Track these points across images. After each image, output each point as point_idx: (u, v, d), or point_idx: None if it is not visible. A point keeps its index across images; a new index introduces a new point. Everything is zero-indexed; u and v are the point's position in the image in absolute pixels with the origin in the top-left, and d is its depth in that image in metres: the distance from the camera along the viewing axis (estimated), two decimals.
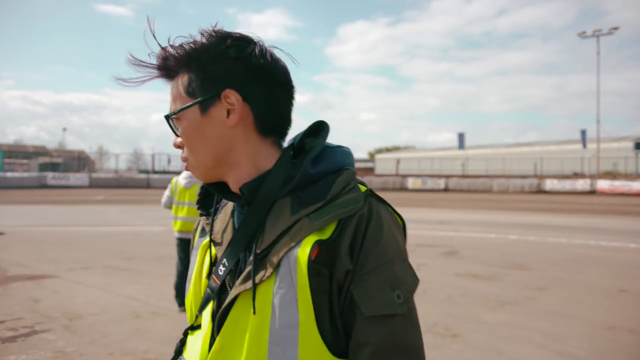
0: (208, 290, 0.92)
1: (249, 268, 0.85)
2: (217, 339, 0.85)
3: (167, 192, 5.83)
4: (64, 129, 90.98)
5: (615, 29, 43.81)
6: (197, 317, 0.94)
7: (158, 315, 5.38)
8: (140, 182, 39.05)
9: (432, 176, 44.85)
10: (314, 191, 0.88)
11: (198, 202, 1.06)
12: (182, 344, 1.00)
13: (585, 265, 8.25)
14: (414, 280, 0.88)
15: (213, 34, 0.91)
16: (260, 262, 0.84)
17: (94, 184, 37.07)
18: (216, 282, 0.90)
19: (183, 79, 0.92)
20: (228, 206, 1.00)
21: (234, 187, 0.95)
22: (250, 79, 0.91)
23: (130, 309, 5.52)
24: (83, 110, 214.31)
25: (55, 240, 10.52)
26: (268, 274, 0.82)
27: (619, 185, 34.66)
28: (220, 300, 0.89)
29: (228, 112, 0.90)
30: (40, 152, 60.91)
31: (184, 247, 5.69)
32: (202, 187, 1.06)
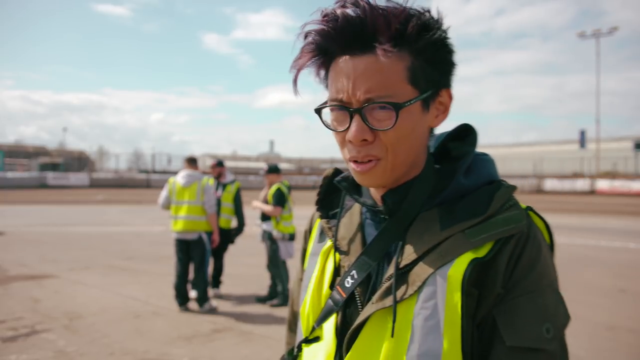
0: (330, 302, 0.83)
1: (387, 283, 0.76)
2: (347, 357, 0.77)
3: (164, 193, 5.83)
4: (64, 129, 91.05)
5: (615, 29, 43.86)
6: (314, 329, 0.85)
7: (158, 315, 5.38)
8: (140, 182, 39.04)
9: None
10: (468, 205, 0.78)
11: (318, 202, 0.96)
12: (292, 356, 0.92)
13: (585, 265, 8.25)
14: (566, 316, 0.77)
15: (438, 19, 0.77)
16: (401, 279, 0.76)
17: (94, 184, 37.06)
18: (341, 295, 0.81)
19: (403, 61, 0.74)
20: (354, 210, 0.90)
21: (379, 193, 0.85)
22: (452, 79, 0.82)
23: (130, 309, 5.53)
24: (82, 110, 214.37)
25: (56, 240, 10.52)
26: (410, 292, 0.74)
27: (619, 185, 34.68)
28: (345, 315, 0.82)
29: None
30: (40, 152, 60.87)
31: (183, 247, 5.70)
32: (322, 186, 0.97)
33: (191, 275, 5.79)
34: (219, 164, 6.58)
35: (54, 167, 48.64)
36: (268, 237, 5.91)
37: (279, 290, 5.87)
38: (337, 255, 0.87)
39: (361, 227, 0.87)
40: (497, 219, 0.76)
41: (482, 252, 0.74)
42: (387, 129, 0.74)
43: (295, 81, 0.83)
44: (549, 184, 37.61)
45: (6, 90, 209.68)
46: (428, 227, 0.78)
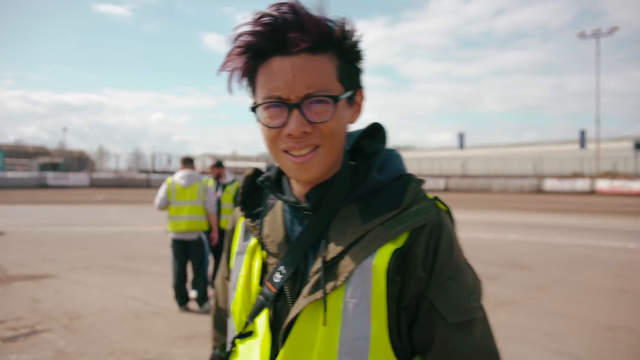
0: (261, 297, 0.88)
1: (316, 277, 0.82)
2: (283, 349, 0.82)
3: (161, 194, 5.73)
4: (64, 129, 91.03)
5: (615, 29, 43.84)
6: (247, 324, 0.90)
7: (158, 315, 5.38)
8: (140, 182, 39.06)
9: (432, 176, 44.85)
10: (384, 199, 0.86)
11: (241, 203, 1.00)
12: (225, 351, 0.97)
13: (585, 265, 8.25)
14: (480, 281, 0.90)
15: (353, 27, 0.86)
16: (329, 271, 0.82)
17: (94, 184, 37.08)
18: (271, 290, 0.86)
19: (332, 61, 0.83)
20: (277, 208, 0.95)
21: (302, 190, 0.91)
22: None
23: (130, 309, 5.53)
24: (82, 110, 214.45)
25: (56, 240, 10.52)
26: (338, 283, 0.80)
27: (619, 185, 34.67)
28: (276, 309, 0.87)
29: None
30: (40, 152, 60.89)
31: (181, 247, 5.70)
32: (244, 186, 1.01)
33: (190, 275, 5.79)
34: (218, 164, 6.58)
35: (54, 167, 48.65)
36: None
37: None
38: (263, 252, 0.91)
39: (284, 224, 0.91)
40: (410, 211, 0.84)
41: (400, 242, 0.82)
42: (326, 120, 0.81)
43: (230, 81, 0.87)
44: (549, 184, 37.60)
45: (6, 90, 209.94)
46: (349, 222, 0.85)
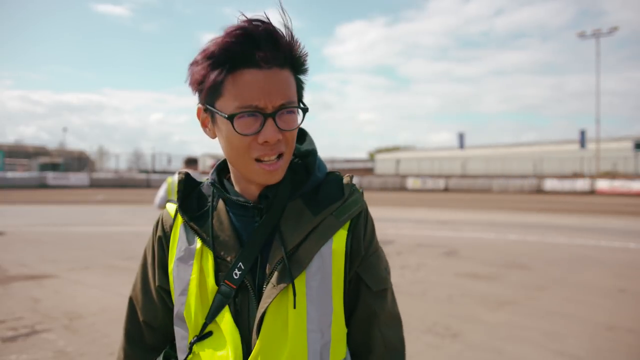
0: (220, 296, 0.93)
1: (280, 266, 0.91)
2: (259, 339, 0.89)
3: (161, 193, 5.77)
4: (64, 129, 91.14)
5: (615, 29, 43.83)
6: (205, 325, 0.94)
7: None
8: (140, 182, 39.06)
9: (432, 176, 44.86)
10: (327, 193, 0.98)
11: (181, 208, 1.01)
12: (178, 355, 0.99)
13: (585, 265, 8.25)
14: (383, 251, 1.07)
15: (303, 47, 0.94)
16: (290, 260, 0.91)
17: (94, 184, 37.07)
18: (231, 287, 0.92)
19: (291, 75, 0.92)
20: (219, 209, 0.99)
21: (256, 190, 0.97)
22: None
23: None
24: (82, 110, 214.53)
25: (56, 240, 10.52)
26: (301, 270, 0.90)
27: (619, 185, 34.67)
28: (236, 304, 0.93)
29: None
30: (40, 152, 60.89)
31: None
32: (182, 190, 1.03)
33: None
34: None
35: (54, 167, 48.65)
36: None
37: None
38: (211, 252, 0.95)
39: (231, 224, 0.97)
40: (350, 201, 0.98)
41: (346, 228, 0.96)
42: (294, 128, 0.91)
43: (195, 89, 0.93)
44: (549, 184, 37.60)
45: (6, 90, 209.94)
46: (300, 215, 0.95)
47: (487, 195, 34.04)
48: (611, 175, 41.05)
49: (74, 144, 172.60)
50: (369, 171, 61.24)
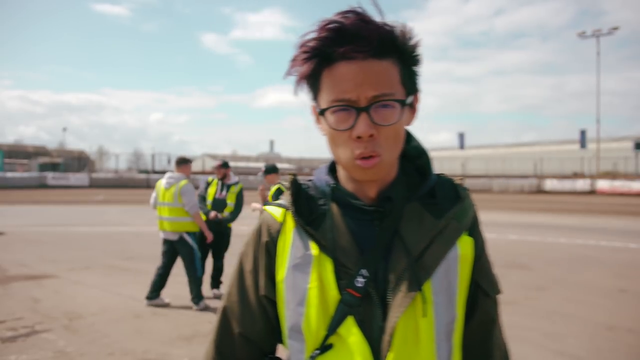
0: (343, 306, 0.86)
1: (408, 273, 0.86)
2: (391, 352, 0.84)
3: (153, 194, 6.00)
4: (64, 129, 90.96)
5: (615, 28, 43.83)
6: (327, 337, 0.87)
7: (158, 315, 5.38)
8: (140, 182, 39.03)
9: None
10: (444, 196, 0.94)
11: (295, 211, 0.93)
12: None
13: (585, 265, 8.25)
14: None
15: (415, 35, 0.88)
16: (417, 266, 0.87)
17: (94, 184, 37.05)
18: (355, 295, 0.85)
19: (395, 66, 0.86)
20: (334, 213, 0.92)
21: (372, 192, 0.92)
22: None
23: (130, 309, 5.53)
24: (82, 110, 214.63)
25: (56, 240, 10.52)
26: (427, 276, 0.87)
27: (619, 185, 34.66)
28: (360, 314, 0.86)
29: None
30: (40, 152, 60.89)
31: (169, 246, 5.79)
32: (295, 193, 0.95)
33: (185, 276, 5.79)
34: (224, 165, 6.57)
35: (53, 167, 48.66)
36: None
37: None
38: (330, 259, 0.88)
39: (349, 228, 0.90)
40: (466, 203, 0.95)
41: (467, 232, 0.93)
42: (392, 123, 0.84)
43: (297, 86, 0.90)
44: (549, 184, 37.59)
45: (5, 90, 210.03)
46: (421, 219, 0.90)
47: (487, 195, 34.01)
48: (611, 175, 41.05)
49: (74, 144, 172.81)
50: None
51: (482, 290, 0.96)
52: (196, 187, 6.46)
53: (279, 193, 5.81)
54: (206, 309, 5.62)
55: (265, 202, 5.95)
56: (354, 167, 0.86)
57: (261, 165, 7.40)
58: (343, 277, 0.87)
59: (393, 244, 0.88)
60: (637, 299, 6.15)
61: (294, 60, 0.88)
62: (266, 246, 0.96)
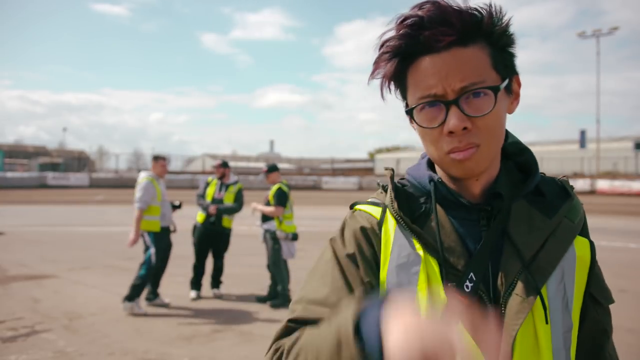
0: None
1: (523, 277, 0.79)
2: (516, 357, 0.77)
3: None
4: (64, 129, 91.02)
5: (615, 28, 43.83)
6: None
7: (158, 315, 5.38)
8: None
9: None
10: (551, 193, 0.87)
11: (399, 207, 0.86)
12: None
13: None
14: None
15: (505, 14, 0.82)
16: (531, 269, 0.79)
17: (94, 184, 37.04)
18: (461, 299, 0.78)
19: (484, 50, 0.79)
20: (438, 212, 0.85)
21: (476, 189, 0.85)
22: None
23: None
24: (82, 110, 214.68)
25: (55, 240, 10.52)
26: (544, 280, 0.79)
27: (619, 185, 34.67)
28: (474, 319, 0.76)
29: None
30: (40, 152, 60.91)
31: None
32: (397, 189, 0.89)
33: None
34: (224, 164, 6.56)
35: (53, 167, 48.65)
36: (271, 237, 5.90)
37: (279, 290, 5.86)
38: (435, 261, 0.82)
39: (455, 228, 0.84)
40: (576, 200, 0.87)
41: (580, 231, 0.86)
42: (486, 112, 0.77)
43: (382, 89, 0.86)
44: None
45: (5, 90, 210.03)
46: (530, 218, 0.82)
47: None
48: (611, 175, 41.06)
49: (74, 144, 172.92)
50: (369, 171, 61.17)
51: (593, 298, 0.86)
52: (196, 187, 6.46)
53: (280, 193, 5.83)
54: (202, 309, 5.61)
55: (266, 202, 5.96)
56: (449, 162, 0.80)
57: (261, 165, 7.40)
58: (451, 279, 0.80)
59: (502, 245, 0.82)
60: (637, 299, 6.15)
61: (376, 62, 0.83)
62: (364, 232, 0.87)
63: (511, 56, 0.83)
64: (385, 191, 0.92)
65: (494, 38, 0.80)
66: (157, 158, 6.01)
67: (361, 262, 0.85)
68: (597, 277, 0.87)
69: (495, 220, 0.82)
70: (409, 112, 0.82)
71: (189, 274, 6.31)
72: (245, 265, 7.92)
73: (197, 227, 6.35)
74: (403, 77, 0.82)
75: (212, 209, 6.17)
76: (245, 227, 10.64)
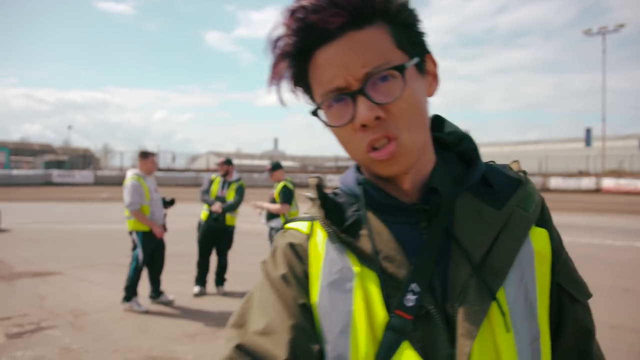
0: (391, 332, 0.67)
1: (473, 282, 0.68)
2: None
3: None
4: (69, 127, 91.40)
5: (622, 26, 43.61)
6: None
7: (162, 313, 5.40)
8: None
9: None
10: (499, 182, 0.76)
11: (326, 216, 0.76)
12: None
13: (589, 264, 8.22)
14: None
15: None
16: (483, 273, 0.69)
17: (99, 182, 37.21)
18: (406, 317, 0.67)
19: (384, 30, 0.69)
20: (370, 218, 0.75)
21: (408, 185, 0.75)
22: None
23: (134, 307, 5.55)
24: (87, 108, 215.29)
25: (60, 238, 10.57)
26: (500, 282, 0.68)
27: (625, 183, 34.51)
28: (418, 338, 0.67)
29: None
30: (45, 150, 61.14)
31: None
32: (322, 196, 0.79)
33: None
34: (228, 162, 6.59)
35: (59, 164, 48.89)
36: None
37: None
38: (374, 274, 0.71)
39: (391, 233, 0.73)
40: (529, 186, 0.77)
41: (536, 221, 0.75)
42: (397, 97, 0.67)
43: (279, 92, 0.77)
44: (554, 182, 37.46)
45: (10, 88, 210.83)
46: (478, 212, 0.72)
47: None
48: (617, 173, 40.88)
49: (79, 142, 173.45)
50: None
51: (568, 294, 0.76)
52: (200, 185, 6.48)
53: (285, 191, 5.84)
54: (206, 306, 5.63)
55: (272, 200, 5.98)
56: (371, 162, 0.71)
57: (265, 162, 7.40)
58: (392, 294, 0.69)
59: (448, 247, 0.71)
60: None
61: (273, 66, 0.74)
62: (297, 249, 0.77)
63: (418, 34, 0.74)
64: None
65: (391, 15, 0.70)
66: (146, 154, 5.82)
67: (294, 282, 0.75)
68: (566, 270, 0.77)
69: (436, 219, 0.72)
70: (315, 112, 0.74)
71: (193, 271, 6.33)
72: (249, 263, 7.93)
73: (201, 224, 6.38)
74: (305, 77, 0.74)
75: (217, 207, 6.19)
76: (250, 225, 10.66)
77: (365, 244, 0.72)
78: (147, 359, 4.08)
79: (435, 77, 0.77)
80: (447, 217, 0.72)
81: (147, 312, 5.36)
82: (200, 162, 60.20)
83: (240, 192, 6.42)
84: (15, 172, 36.80)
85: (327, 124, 0.73)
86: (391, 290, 0.69)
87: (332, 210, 0.77)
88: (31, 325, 4.83)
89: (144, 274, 5.71)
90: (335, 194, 0.82)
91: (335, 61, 0.68)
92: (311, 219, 0.79)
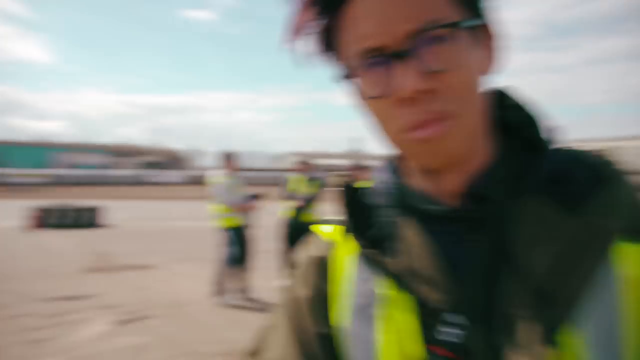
0: None
1: (528, 315, 0.49)
2: None
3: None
4: (161, 130, 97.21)
5: None
6: None
7: (251, 307, 5.63)
8: None
9: None
10: (576, 179, 0.54)
11: (355, 228, 0.62)
12: None
13: None
14: None
15: None
16: (544, 303, 0.50)
17: (189, 181, 39.20)
18: (445, 354, 0.52)
19: None
20: (403, 228, 0.59)
21: (453, 184, 0.57)
22: None
23: (226, 299, 5.84)
24: (177, 112, 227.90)
25: (157, 233, 11.40)
26: (566, 318, 0.49)
27: None
28: None
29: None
30: (140, 151, 65.60)
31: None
32: (349, 203, 0.65)
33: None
34: (305, 162, 6.78)
35: (153, 165, 52.23)
36: None
37: None
38: (408, 297, 0.56)
39: (429, 249, 0.57)
40: (618, 186, 0.54)
41: (629, 235, 0.51)
42: (454, 65, 0.50)
43: (307, 54, 0.60)
44: None
45: (111, 94, 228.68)
46: (543, 221, 0.53)
47: None
48: None
49: (170, 144, 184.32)
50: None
51: None
52: (281, 184, 6.68)
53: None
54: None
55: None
56: (409, 144, 0.53)
57: (348, 162, 7.46)
58: (428, 325, 0.54)
59: (501, 268, 0.52)
60: None
61: (293, 18, 0.58)
62: (317, 263, 0.66)
63: None
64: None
65: None
66: (229, 155, 6.20)
67: (312, 306, 0.64)
68: None
69: (487, 231, 0.54)
70: (343, 78, 0.57)
71: (279, 266, 6.53)
72: None
73: (286, 221, 6.56)
74: (333, 35, 0.56)
75: (298, 203, 6.37)
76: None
77: (398, 261, 0.57)
78: (237, 351, 4.29)
79: (491, 53, 0.57)
80: (500, 227, 0.54)
81: (236, 306, 5.61)
82: (281, 162, 61.65)
83: (319, 189, 6.57)
84: (115, 172, 39.77)
85: (358, 96, 0.57)
86: (428, 320, 0.54)
87: (360, 216, 0.63)
88: (133, 314, 5.24)
89: (234, 269, 5.97)
90: (366, 195, 0.66)
91: (375, 13, 0.51)
92: (338, 223, 0.66)
